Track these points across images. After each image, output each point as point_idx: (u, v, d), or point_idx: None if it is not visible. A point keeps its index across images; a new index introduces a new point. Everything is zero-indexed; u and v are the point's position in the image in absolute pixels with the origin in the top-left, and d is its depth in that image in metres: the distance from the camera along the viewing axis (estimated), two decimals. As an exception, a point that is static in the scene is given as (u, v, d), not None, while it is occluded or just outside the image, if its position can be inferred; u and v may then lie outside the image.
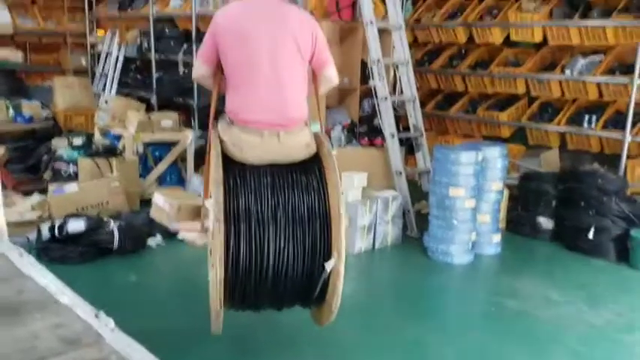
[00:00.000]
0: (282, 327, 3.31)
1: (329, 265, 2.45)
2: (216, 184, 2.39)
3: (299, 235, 2.44)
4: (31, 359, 1.37)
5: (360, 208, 4.57)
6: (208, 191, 2.72)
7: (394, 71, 5.72)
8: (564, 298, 3.94)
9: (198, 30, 7.10)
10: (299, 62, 2.63)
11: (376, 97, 5.13)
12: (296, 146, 2.60)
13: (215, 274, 2.32)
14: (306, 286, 2.53)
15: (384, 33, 5.32)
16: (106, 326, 1.50)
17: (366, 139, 5.41)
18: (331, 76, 2.83)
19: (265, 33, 2.57)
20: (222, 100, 2.85)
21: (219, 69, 2.74)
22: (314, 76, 2.79)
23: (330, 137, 5.18)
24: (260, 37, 2.56)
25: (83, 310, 1.59)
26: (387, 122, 5.11)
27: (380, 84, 5.06)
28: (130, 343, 1.46)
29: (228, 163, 2.50)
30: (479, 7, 6.84)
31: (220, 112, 2.82)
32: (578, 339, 3.38)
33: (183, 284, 4.01)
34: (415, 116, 5.43)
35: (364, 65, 5.27)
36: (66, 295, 1.66)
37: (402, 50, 5.39)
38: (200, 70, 2.75)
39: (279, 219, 2.42)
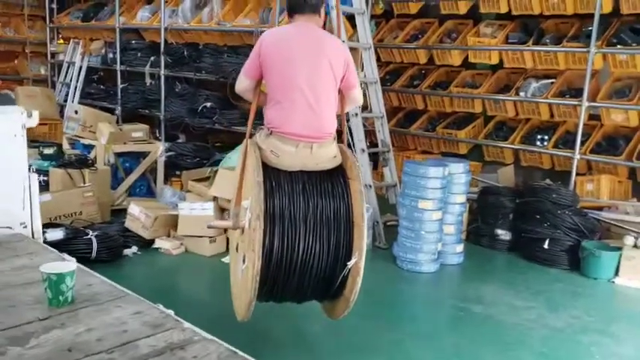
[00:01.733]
0: (261, 331, 3.45)
1: (350, 263, 2.72)
2: (258, 186, 2.62)
3: (325, 235, 2.72)
4: (126, 340, 1.51)
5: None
6: (240, 194, 2.96)
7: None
8: (526, 303, 4.24)
9: (166, 42, 7.18)
10: (332, 84, 2.93)
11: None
12: (325, 157, 2.89)
13: (253, 266, 2.54)
14: (328, 282, 2.79)
15: (351, 52, 5.54)
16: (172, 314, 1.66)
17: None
18: (357, 97, 3.16)
19: (305, 57, 2.86)
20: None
21: (259, 84, 3.03)
22: (341, 96, 3.07)
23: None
24: (300, 60, 2.84)
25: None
26: (357, 138, 5.34)
27: (351, 101, 5.28)
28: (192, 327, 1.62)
29: (264, 169, 2.74)
30: (439, 31, 7.19)
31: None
32: (542, 341, 3.67)
33: (165, 290, 4.08)
34: (383, 132, 5.69)
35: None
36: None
37: (370, 69, 5.65)
38: (244, 83, 3.04)
39: (309, 220, 2.69)
